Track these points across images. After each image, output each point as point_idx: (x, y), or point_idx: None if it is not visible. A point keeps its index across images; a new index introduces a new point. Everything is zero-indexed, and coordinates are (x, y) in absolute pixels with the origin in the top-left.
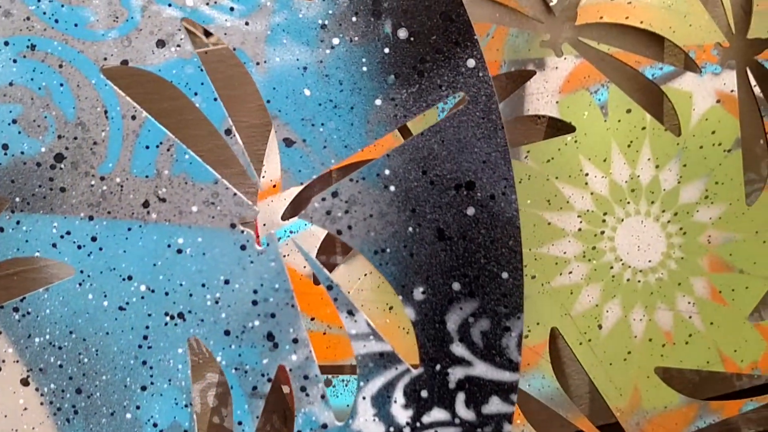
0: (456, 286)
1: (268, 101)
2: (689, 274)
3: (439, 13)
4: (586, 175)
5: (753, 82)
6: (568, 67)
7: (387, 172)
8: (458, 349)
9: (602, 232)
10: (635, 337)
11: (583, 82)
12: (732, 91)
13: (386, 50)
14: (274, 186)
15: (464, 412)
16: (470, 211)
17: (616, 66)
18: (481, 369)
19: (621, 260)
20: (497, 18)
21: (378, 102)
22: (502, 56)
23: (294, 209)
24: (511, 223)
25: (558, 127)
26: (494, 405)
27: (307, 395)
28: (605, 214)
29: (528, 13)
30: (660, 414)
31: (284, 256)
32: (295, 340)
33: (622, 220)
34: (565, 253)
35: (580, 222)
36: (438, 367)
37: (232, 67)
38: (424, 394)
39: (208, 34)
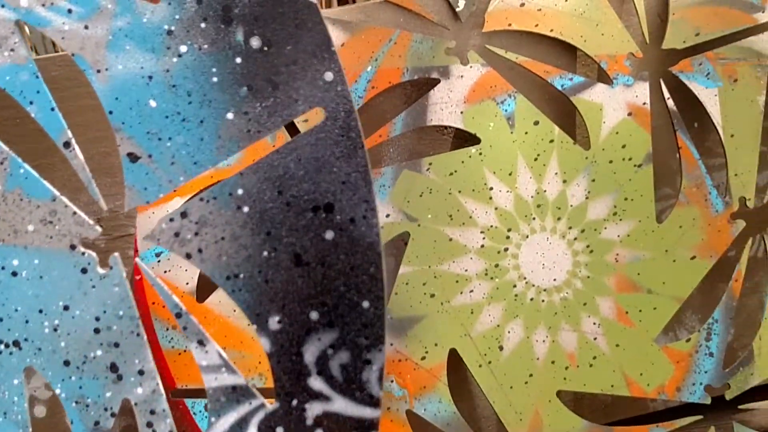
0: (314, 315)
1: (111, 112)
2: (595, 293)
3: (294, 22)
4: (491, 189)
5: (666, 94)
6: (474, 76)
7: (240, 191)
8: (316, 383)
9: (506, 249)
10: (537, 359)
11: (490, 91)
12: (644, 103)
13: (238, 60)
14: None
15: None
16: (329, 235)
17: (524, 75)
18: (341, 404)
19: (525, 279)
20: (401, 23)
21: (230, 116)
22: (404, 63)
23: None
24: (372, 248)
25: (464, 139)
26: None
27: (154, 431)
28: (509, 230)
29: (433, 19)
30: None
31: (165, 272)
32: (141, 372)
33: (527, 237)
34: (466, 270)
35: (483, 238)
36: (294, 402)
37: (72, 75)
38: (279, 430)
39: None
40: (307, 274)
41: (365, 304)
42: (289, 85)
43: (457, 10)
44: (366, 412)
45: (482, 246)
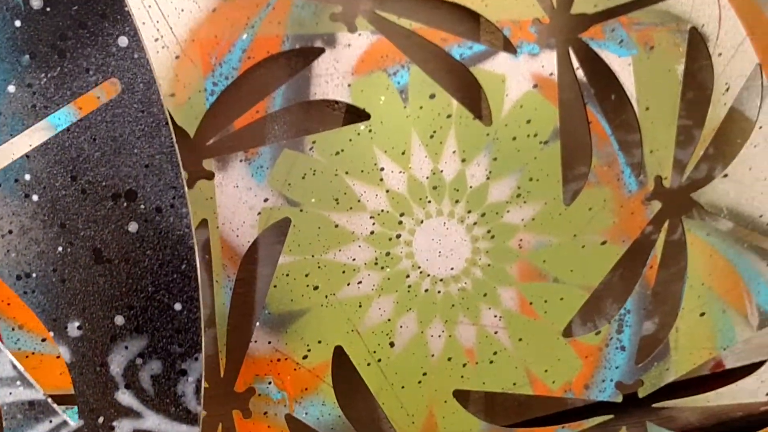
0: (119, 320)
1: None
2: (496, 283)
3: None
4: (382, 170)
5: (575, 63)
6: (363, 45)
7: (27, 177)
8: (125, 397)
9: (398, 236)
10: (432, 356)
11: (380, 62)
12: (551, 74)
13: (17, 23)
14: None
15: None
16: (132, 227)
17: (418, 44)
18: (153, 421)
19: (419, 268)
20: None
21: (11, 89)
22: (284, 31)
23: None
24: (183, 242)
25: (351, 115)
26: None
27: None
28: (402, 215)
29: None
30: None
31: None
32: None
33: (422, 222)
34: (354, 260)
35: (373, 224)
36: (101, 419)
37: None
38: None
39: None
40: (109, 273)
41: (177, 306)
42: (77, 52)
43: None
44: (182, 429)
45: (372, 233)
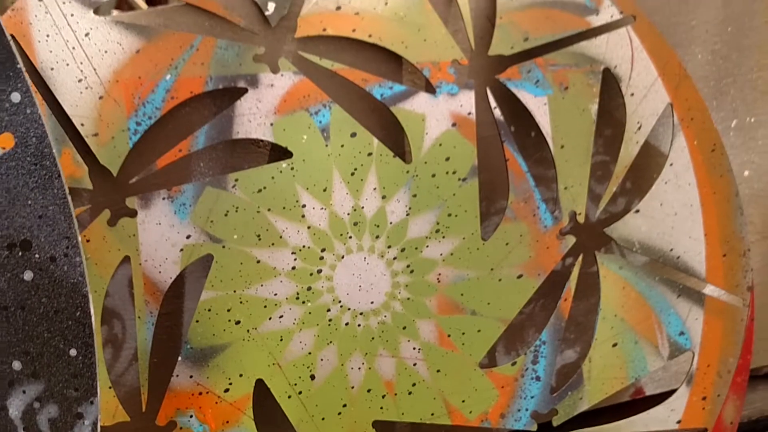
0: (16, 365)
1: None
2: (415, 316)
3: None
4: (303, 206)
5: (493, 103)
6: (286, 85)
7: None
8: None
9: (319, 271)
10: (352, 387)
11: (303, 102)
12: (469, 113)
13: None
14: None
15: None
16: (28, 275)
17: (340, 84)
18: None
19: (339, 302)
20: (206, 28)
21: None
22: (208, 71)
23: None
24: (77, 290)
25: (273, 153)
26: None
27: None
28: (323, 250)
29: (240, 23)
30: None
31: None
32: None
33: (343, 257)
34: (275, 294)
35: (295, 260)
36: None
37: None
38: None
39: None
40: (6, 320)
41: (72, 352)
42: None
43: (267, 13)
44: None
45: (293, 268)
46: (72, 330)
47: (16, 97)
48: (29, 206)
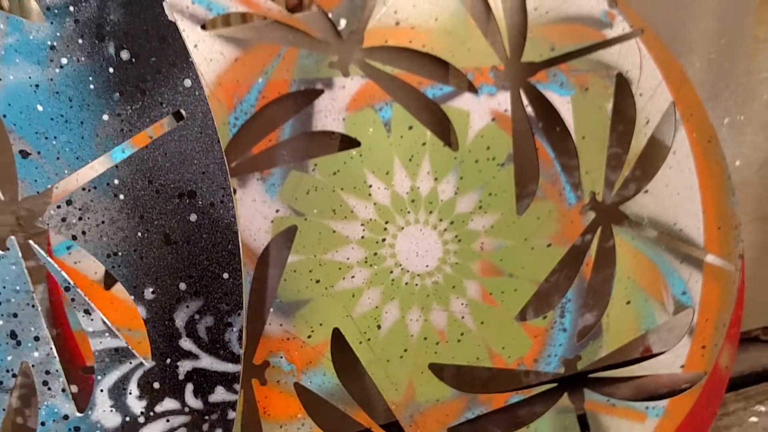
0: (182, 286)
1: (4, 116)
2: (463, 277)
3: (156, 37)
4: (370, 186)
5: (525, 101)
6: (355, 87)
7: (116, 181)
8: (186, 343)
9: (383, 240)
10: (412, 336)
11: (369, 100)
12: (506, 110)
13: (111, 70)
14: None
15: (193, 401)
16: (193, 217)
17: (399, 86)
18: (207, 362)
19: (400, 265)
20: (290, 40)
21: (105, 117)
22: (292, 76)
23: None
24: (230, 228)
25: (345, 143)
26: (219, 394)
27: (49, 389)
28: (387, 222)
29: (317, 37)
30: (432, 406)
31: (76, 263)
32: (37, 338)
33: (402, 229)
34: (348, 259)
35: (363, 230)
36: (168, 360)
37: None
38: (156, 385)
39: None
40: (175, 252)
41: (225, 275)
42: (154, 91)
43: (339, 28)
44: (229, 367)
45: (362, 237)
46: (225, 259)
47: (188, 82)
48: (195, 165)
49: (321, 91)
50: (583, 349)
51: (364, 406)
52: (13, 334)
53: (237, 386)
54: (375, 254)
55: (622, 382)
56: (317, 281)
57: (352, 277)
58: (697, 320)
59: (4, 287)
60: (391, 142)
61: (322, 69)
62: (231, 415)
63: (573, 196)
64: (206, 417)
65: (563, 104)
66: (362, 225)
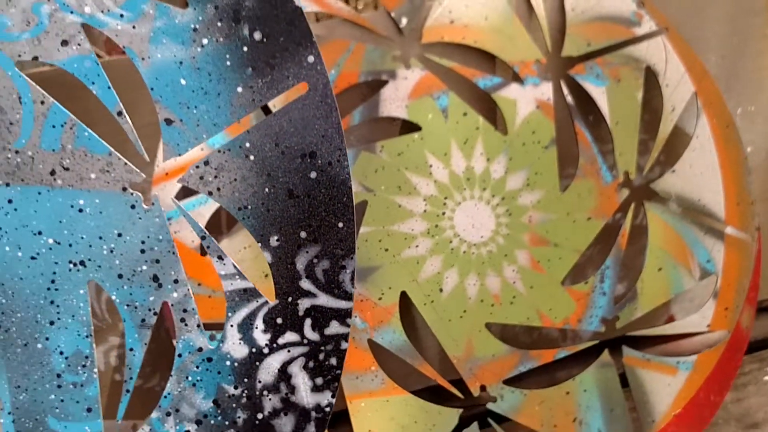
0: (303, 234)
1: (152, 89)
2: (514, 247)
3: (284, 20)
4: (430, 166)
5: (566, 91)
6: (415, 78)
7: (248, 144)
8: (305, 284)
9: (443, 213)
10: (470, 298)
11: (428, 90)
12: (548, 99)
13: (245, 48)
14: (167, 174)
15: (311, 334)
16: (313, 175)
17: (454, 77)
18: (324, 299)
19: (458, 236)
20: (357, 36)
21: (239, 89)
22: (360, 68)
23: (185, 192)
24: (344, 183)
25: (408, 127)
26: (334, 328)
27: (186, 325)
28: (446, 198)
29: (382, 33)
30: (489, 361)
31: (175, 232)
32: (176, 281)
33: (460, 203)
34: (412, 230)
35: (425, 205)
36: (290, 299)
37: (124, 62)
38: (279, 320)
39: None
40: (297, 204)
41: (340, 224)
42: (282, 66)
43: (401, 26)
44: (342, 304)
45: (425, 211)
46: (340, 210)
47: (311, 58)
48: (316, 130)
49: (386, 82)
50: (621, 310)
51: (429, 360)
52: (155, 278)
53: (349, 320)
54: (436, 226)
55: (656, 339)
56: (386, 250)
57: (416, 246)
58: (720, 285)
59: (149, 237)
60: (448, 126)
61: (386, 62)
62: (344, 345)
63: (609, 175)
64: (322, 348)
65: (599, 94)
66: (424, 200)
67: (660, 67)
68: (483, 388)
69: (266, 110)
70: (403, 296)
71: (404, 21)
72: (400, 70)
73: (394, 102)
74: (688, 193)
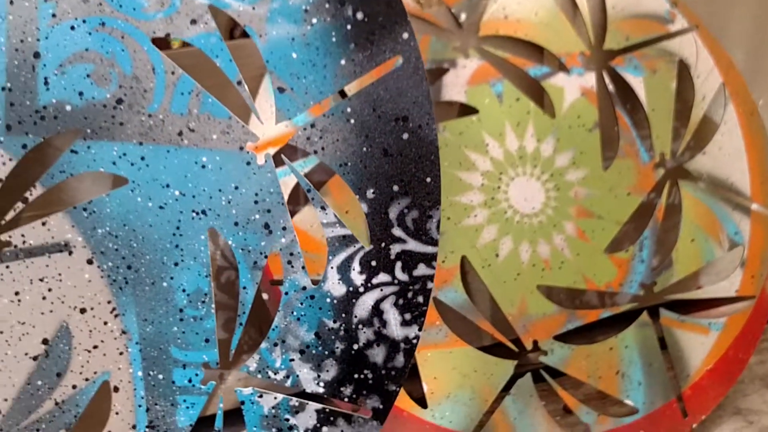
0: (395, 188)
1: (267, 61)
2: (562, 218)
3: (383, 2)
4: (487, 145)
5: (607, 80)
6: (474, 66)
7: (349, 109)
8: (396, 231)
9: (499, 187)
10: (523, 263)
11: (485, 77)
12: (592, 87)
13: (348, 27)
14: (278, 136)
15: (401, 275)
16: (405, 136)
17: (508, 67)
18: (413, 245)
19: (512, 207)
20: (423, 29)
21: (342, 62)
22: (426, 57)
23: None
24: (432, 144)
25: (466, 110)
26: (421, 269)
27: (292, 266)
28: (501, 173)
29: (444, 27)
30: (540, 319)
31: None
32: (284, 228)
33: (513, 179)
34: (471, 201)
35: (483, 179)
36: (383, 244)
37: (242, 39)
38: (373, 263)
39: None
40: (391, 162)
41: (428, 179)
42: (380, 42)
43: (460, 21)
44: (428, 249)
45: (482, 184)
46: (428, 167)
47: (405, 35)
48: (408, 97)
49: (447, 70)
50: (658, 276)
51: (487, 317)
52: (266, 225)
53: (434, 263)
54: (492, 198)
55: (690, 302)
56: (448, 218)
57: (475, 215)
58: (746, 255)
59: (261, 189)
60: (503, 110)
61: (448, 52)
62: (429, 285)
63: (647, 155)
64: (410, 287)
65: (637, 83)
66: (482, 175)
67: (691, 60)
68: (535, 342)
69: (342, 94)
70: (464, 260)
71: (463, 16)
72: (460, 59)
73: (454, 87)
74: (717, 172)
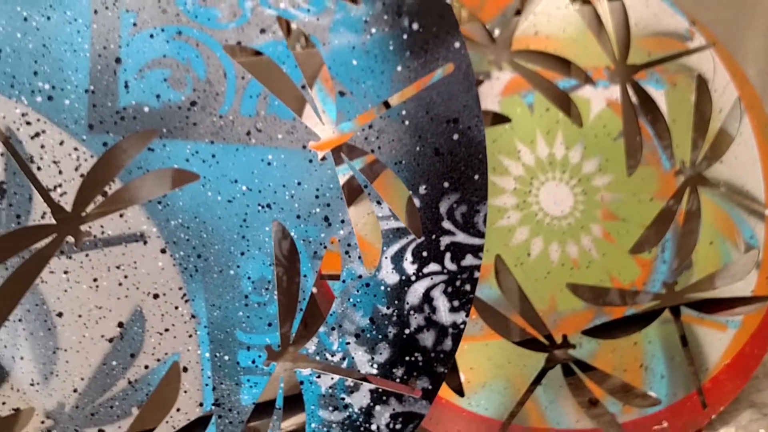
0: (446, 184)
1: (329, 67)
2: (589, 221)
3: (437, 14)
4: (519, 151)
5: (631, 93)
6: (506, 78)
7: (404, 112)
8: (446, 224)
9: (530, 191)
10: (552, 262)
11: (517, 89)
12: (616, 99)
13: (405, 36)
14: (339, 136)
15: (450, 265)
16: (455, 136)
17: (538, 79)
18: (461, 237)
19: (543, 210)
20: None
21: (398, 68)
22: None
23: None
24: (480, 144)
25: (499, 119)
26: (469, 260)
27: (349, 257)
28: (532, 178)
29: (478, 41)
30: (569, 315)
31: None
32: (342, 221)
33: (543, 183)
34: (505, 204)
35: (515, 183)
36: (433, 236)
37: (308, 48)
38: (424, 254)
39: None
40: (442, 160)
41: (476, 177)
42: (434, 50)
43: (494, 36)
44: (476, 241)
45: (515, 188)
46: (476, 165)
47: (457, 44)
48: (458, 101)
49: (482, 81)
50: (679, 276)
51: (519, 312)
52: (326, 218)
53: (481, 254)
54: (524, 201)
55: (709, 301)
56: None
57: (508, 217)
58: (762, 257)
59: (322, 185)
60: (534, 119)
61: (482, 64)
62: (476, 274)
63: (668, 163)
64: (459, 276)
65: (659, 96)
66: (514, 179)
67: (709, 75)
68: (564, 337)
69: (386, 105)
70: (497, 259)
71: (497, 32)
72: (494, 71)
73: (488, 97)
74: (734, 179)
